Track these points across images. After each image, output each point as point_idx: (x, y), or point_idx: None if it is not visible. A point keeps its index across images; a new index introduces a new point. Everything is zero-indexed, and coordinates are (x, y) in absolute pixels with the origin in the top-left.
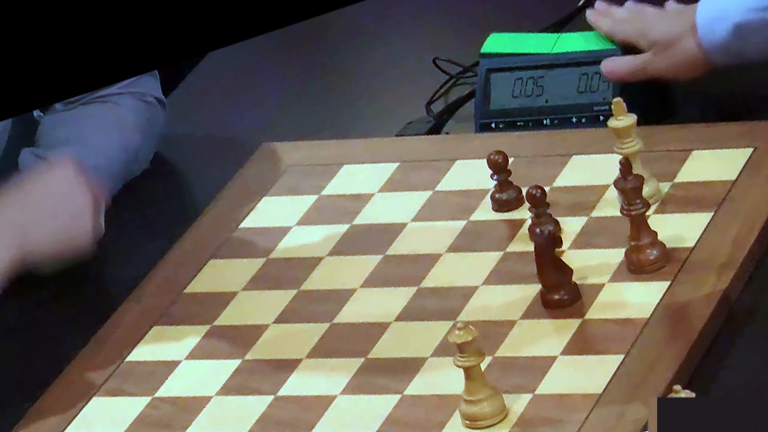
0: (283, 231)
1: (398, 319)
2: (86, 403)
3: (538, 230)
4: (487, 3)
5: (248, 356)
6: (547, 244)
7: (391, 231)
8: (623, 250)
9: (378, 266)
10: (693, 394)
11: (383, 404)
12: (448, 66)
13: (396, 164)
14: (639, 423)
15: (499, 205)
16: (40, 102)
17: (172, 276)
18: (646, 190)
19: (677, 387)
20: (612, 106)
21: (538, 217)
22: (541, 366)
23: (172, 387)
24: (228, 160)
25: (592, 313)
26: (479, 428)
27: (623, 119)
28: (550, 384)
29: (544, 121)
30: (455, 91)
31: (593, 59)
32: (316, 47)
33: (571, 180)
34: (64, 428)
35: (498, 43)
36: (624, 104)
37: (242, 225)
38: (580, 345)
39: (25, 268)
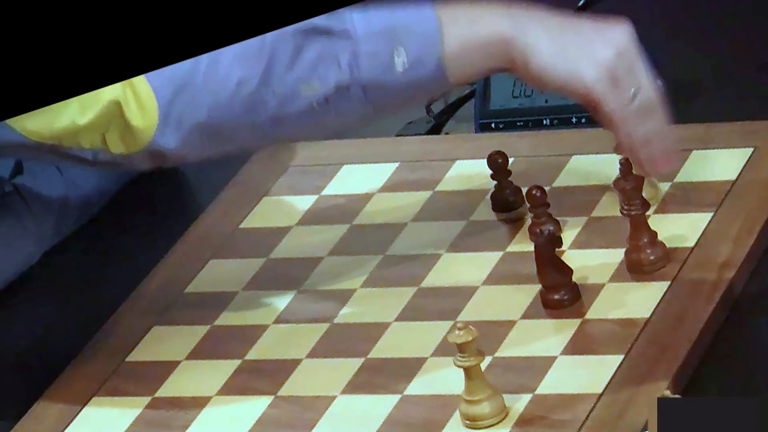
0: (283, 231)
1: (398, 319)
2: (86, 403)
3: (538, 230)
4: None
5: (248, 356)
6: (547, 244)
7: (391, 231)
8: (623, 250)
9: (378, 266)
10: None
11: (383, 404)
12: None
13: (396, 164)
14: (639, 423)
15: (499, 205)
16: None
17: (172, 276)
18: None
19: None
20: None
21: (538, 217)
22: (541, 366)
23: (172, 387)
24: (228, 160)
25: (592, 313)
26: (479, 428)
27: None
28: (550, 384)
29: (544, 121)
30: (455, 91)
31: None
32: None
33: (571, 180)
34: (64, 428)
35: None
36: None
37: (242, 225)
38: (580, 345)
39: (517, 63)
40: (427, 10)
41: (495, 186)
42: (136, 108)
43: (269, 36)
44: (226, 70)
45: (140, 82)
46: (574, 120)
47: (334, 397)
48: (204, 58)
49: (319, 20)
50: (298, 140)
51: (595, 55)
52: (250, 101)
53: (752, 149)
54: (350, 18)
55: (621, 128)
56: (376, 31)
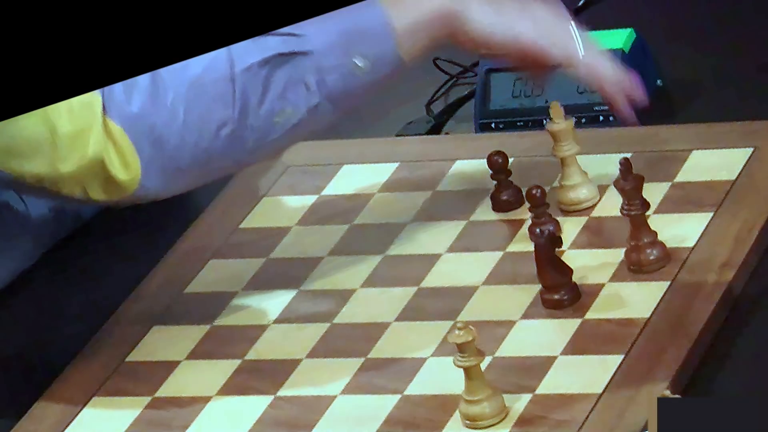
0: (283, 231)
1: (398, 319)
2: (86, 403)
3: (538, 230)
4: None
5: (248, 356)
6: (547, 244)
7: (391, 231)
8: (623, 250)
9: (378, 266)
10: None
11: (383, 404)
12: (448, 66)
13: (396, 164)
14: (639, 423)
15: (499, 205)
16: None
17: (172, 276)
18: (584, 193)
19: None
20: (549, 110)
21: (538, 217)
22: (541, 366)
23: (172, 387)
24: None
25: (592, 313)
26: (479, 428)
27: (561, 122)
28: (550, 384)
29: (544, 121)
30: (455, 91)
31: None
32: None
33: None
34: (64, 428)
35: None
36: (561, 107)
37: (242, 225)
38: (580, 345)
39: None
40: (373, 5)
41: (495, 186)
42: (119, 163)
43: (238, 74)
44: (204, 115)
45: (121, 137)
46: (573, 120)
47: (334, 397)
48: (179, 106)
49: (279, 44)
50: (274, 157)
51: (533, 15)
52: (231, 140)
53: (752, 149)
54: (307, 32)
55: (581, 67)
56: (334, 42)
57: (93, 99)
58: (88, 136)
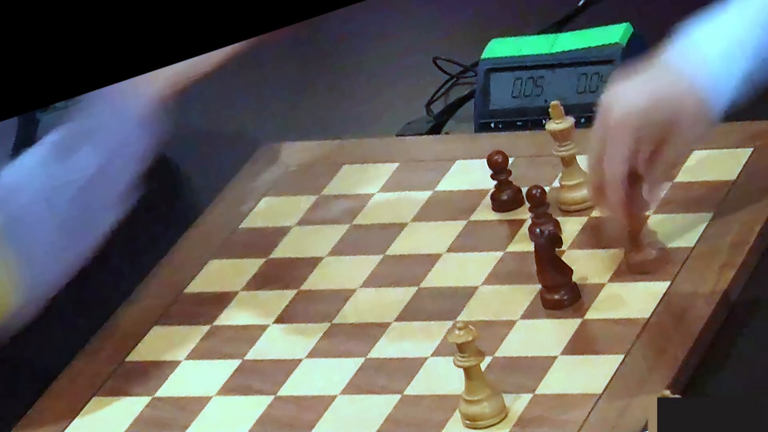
0: (283, 231)
1: (398, 319)
2: (86, 403)
3: (538, 230)
4: (488, 2)
5: (248, 356)
6: (547, 244)
7: (391, 231)
8: (623, 250)
9: (378, 266)
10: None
11: (383, 404)
12: (448, 66)
13: (396, 164)
14: (639, 423)
15: (499, 205)
16: (41, 102)
17: (172, 276)
18: (585, 193)
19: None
20: (549, 110)
21: (538, 217)
22: (541, 366)
23: (172, 387)
24: (228, 160)
25: (592, 313)
26: (479, 428)
27: (561, 122)
28: (550, 384)
29: (544, 121)
30: (455, 91)
31: (592, 59)
32: (316, 47)
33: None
34: (64, 428)
35: (498, 48)
36: (562, 107)
37: (242, 225)
38: (580, 345)
39: None
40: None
41: (495, 186)
42: None
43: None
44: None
45: None
46: (573, 120)
47: (334, 397)
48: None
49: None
50: None
51: None
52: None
53: (752, 149)
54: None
55: None
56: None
57: None
58: None
